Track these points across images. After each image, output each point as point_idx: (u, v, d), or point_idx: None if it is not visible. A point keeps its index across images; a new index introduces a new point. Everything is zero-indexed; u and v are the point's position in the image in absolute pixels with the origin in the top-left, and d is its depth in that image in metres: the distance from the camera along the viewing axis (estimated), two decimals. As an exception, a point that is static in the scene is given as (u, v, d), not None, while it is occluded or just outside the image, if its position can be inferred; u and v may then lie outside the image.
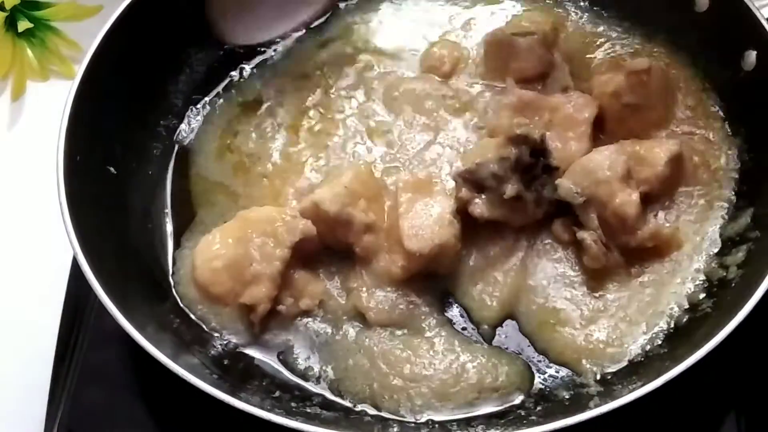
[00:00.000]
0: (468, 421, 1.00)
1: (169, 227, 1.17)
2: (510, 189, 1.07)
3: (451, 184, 1.13)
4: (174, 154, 1.23)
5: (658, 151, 1.12)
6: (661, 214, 1.13)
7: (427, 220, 1.07)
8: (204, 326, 1.08)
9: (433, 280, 1.10)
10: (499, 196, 1.08)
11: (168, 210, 1.19)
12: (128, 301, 1.00)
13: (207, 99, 1.28)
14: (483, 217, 1.09)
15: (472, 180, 1.09)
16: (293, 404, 1.01)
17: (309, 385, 1.05)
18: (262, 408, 0.91)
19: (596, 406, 0.92)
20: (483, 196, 1.09)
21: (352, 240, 1.09)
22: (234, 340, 1.07)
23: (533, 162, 1.08)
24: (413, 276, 1.08)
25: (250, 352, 1.07)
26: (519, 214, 1.09)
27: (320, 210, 1.08)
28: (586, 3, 1.32)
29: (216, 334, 1.07)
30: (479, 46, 1.28)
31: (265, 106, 1.27)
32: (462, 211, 1.09)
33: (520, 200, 1.08)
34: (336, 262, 1.11)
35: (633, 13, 1.29)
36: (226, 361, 1.05)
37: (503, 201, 1.08)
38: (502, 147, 1.10)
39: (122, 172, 1.16)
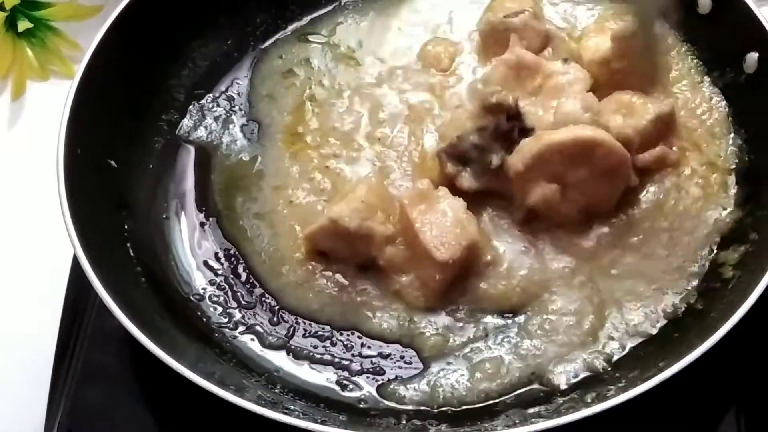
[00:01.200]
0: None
1: (170, 221, 1.17)
2: (495, 159, 1.08)
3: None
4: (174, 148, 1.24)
5: (650, 106, 1.12)
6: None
7: (446, 227, 1.06)
8: (211, 323, 1.09)
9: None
10: (483, 166, 1.09)
11: (168, 204, 1.19)
12: (128, 297, 1.00)
13: (210, 94, 1.29)
14: (472, 189, 1.10)
15: (455, 154, 1.10)
16: (305, 405, 1.01)
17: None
18: (264, 406, 0.91)
19: (592, 405, 0.92)
20: (468, 169, 1.10)
21: (374, 253, 1.08)
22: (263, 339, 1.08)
23: (510, 127, 1.10)
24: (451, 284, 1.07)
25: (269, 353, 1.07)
26: (505, 181, 1.10)
27: (339, 226, 1.07)
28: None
29: (227, 331, 1.08)
30: (470, 37, 1.29)
31: (260, 104, 1.28)
32: (450, 186, 1.10)
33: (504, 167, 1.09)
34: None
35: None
36: (228, 358, 1.05)
37: (488, 170, 1.09)
38: (478, 117, 1.11)
39: (123, 165, 1.16)
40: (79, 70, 1.13)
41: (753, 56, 1.14)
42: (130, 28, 1.19)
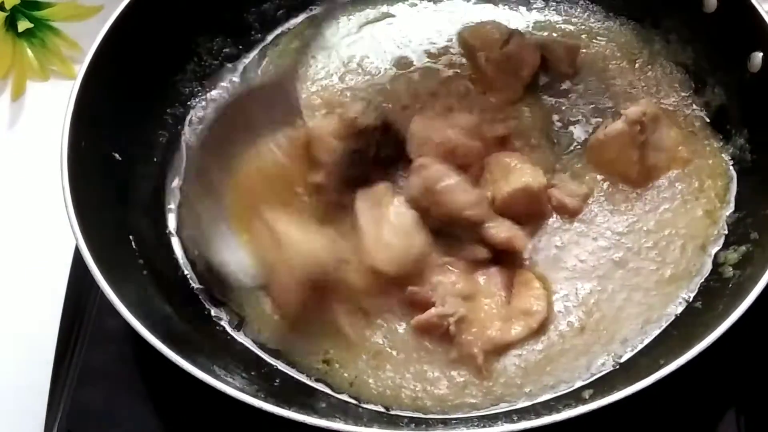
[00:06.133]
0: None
1: (174, 215, 1.17)
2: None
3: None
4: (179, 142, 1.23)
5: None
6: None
7: (392, 235, 1.05)
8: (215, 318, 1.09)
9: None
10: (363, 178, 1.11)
11: (172, 197, 1.18)
12: (131, 291, 0.99)
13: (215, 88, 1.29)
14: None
15: (339, 180, 1.10)
16: (310, 403, 1.01)
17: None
18: (266, 402, 0.90)
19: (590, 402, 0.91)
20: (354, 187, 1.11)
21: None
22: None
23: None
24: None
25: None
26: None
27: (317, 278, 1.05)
28: (593, 4, 1.33)
29: (231, 327, 1.08)
30: None
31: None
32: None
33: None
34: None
35: (640, 14, 1.30)
36: (234, 355, 1.04)
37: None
38: (346, 138, 1.10)
39: (127, 158, 1.15)
40: (84, 63, 1.12)
41: (758, 56, 1.14)
42: (130, 28, 1.18)
